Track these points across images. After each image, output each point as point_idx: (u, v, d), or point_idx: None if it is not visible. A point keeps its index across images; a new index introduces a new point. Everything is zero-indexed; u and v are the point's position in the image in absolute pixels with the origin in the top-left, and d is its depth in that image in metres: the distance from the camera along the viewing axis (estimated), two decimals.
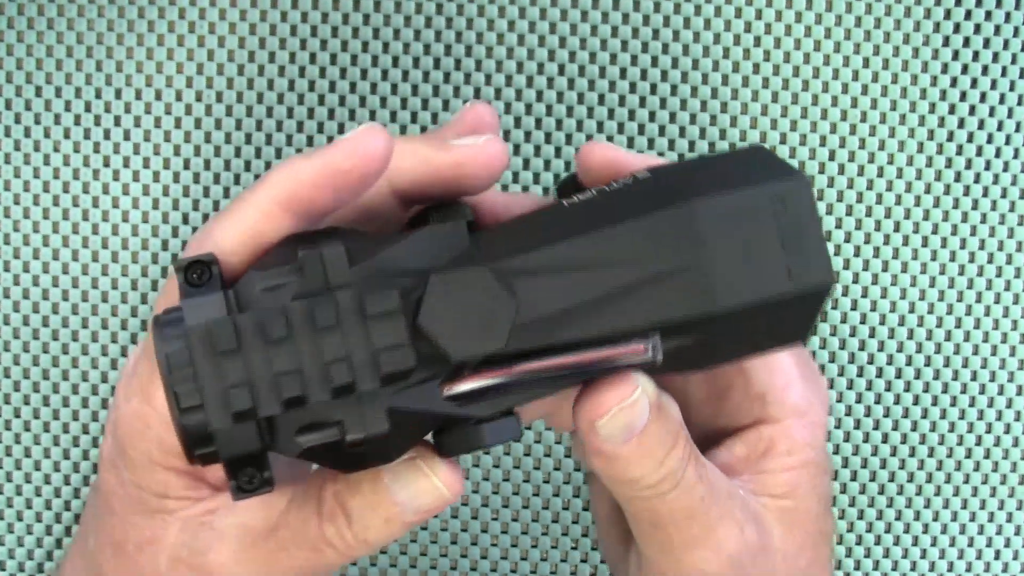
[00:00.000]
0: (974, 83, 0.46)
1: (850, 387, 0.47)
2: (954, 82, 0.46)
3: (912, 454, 0.48)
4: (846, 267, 0.47)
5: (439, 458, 0.32)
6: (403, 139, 0.33)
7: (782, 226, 0.30)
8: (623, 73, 0.46)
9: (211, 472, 0.34)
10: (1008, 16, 0.46)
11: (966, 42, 0.46)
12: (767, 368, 0.36)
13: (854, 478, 0.48)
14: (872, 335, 0.47)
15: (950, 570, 0.48)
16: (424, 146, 0.33)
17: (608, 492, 0.38)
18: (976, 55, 0.46)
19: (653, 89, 0.46)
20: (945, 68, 0.46)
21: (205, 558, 0.34)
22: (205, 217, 0.46)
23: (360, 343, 0.29)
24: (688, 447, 0.33)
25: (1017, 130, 0.47)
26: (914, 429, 0.47)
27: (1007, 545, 0.48)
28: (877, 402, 0.47)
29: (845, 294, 0.47)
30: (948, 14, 0.46)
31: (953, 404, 0.47)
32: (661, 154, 0.46)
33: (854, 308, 0.47)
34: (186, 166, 0.46)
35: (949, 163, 0.47)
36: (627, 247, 0.29)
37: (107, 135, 0.46)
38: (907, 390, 0.47)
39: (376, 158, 0.31)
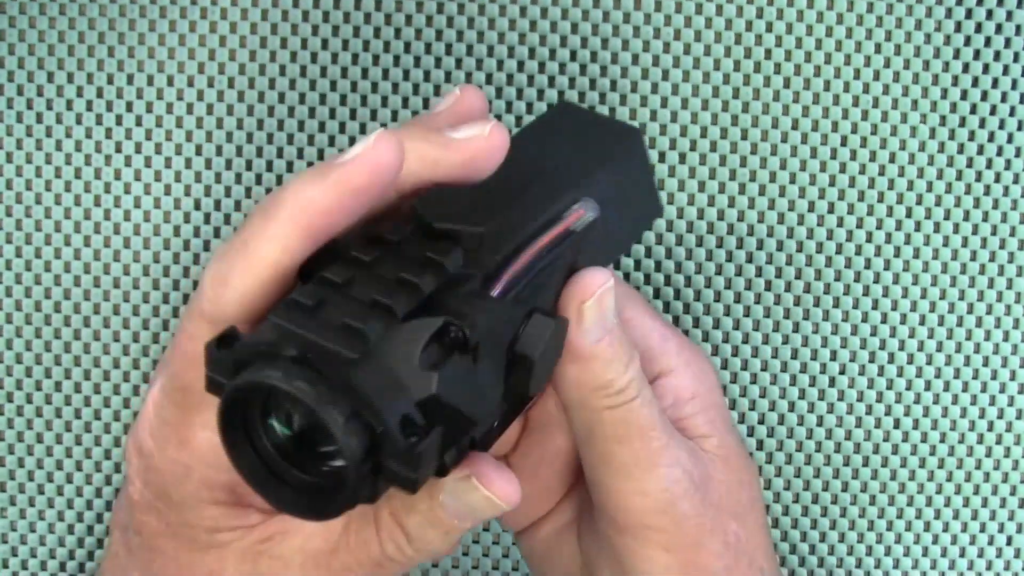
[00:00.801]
0: (975, 82, 0.46)
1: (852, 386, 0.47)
2: (956, 80, 0.46)
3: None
4: (848, 265, 0.47)
5: (493, 472, 0.32)
6: (404, 139, 0.32)
7: (580, 124, 0.38)
8: (624, 72, 0.46)
9: (259, 500, 0.33)
10: (1010, 14, 0.46)
11: (967, 40, 0.46)
12: (640, 330, 0.38)
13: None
14: (874, 333, 0.47)
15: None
16: (429, 147, 0.32)
17: (542, 533, 0.40)
18: (977, 53, 0.46)
19: (654, 88, 0.46)
20: (947, 66, 0.46)
21: None
22: (217, 204, 0.46)
23: (408, 259, 0.31)
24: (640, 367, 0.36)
25: (1020, 128, 0.47)
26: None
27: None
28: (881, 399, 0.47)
29: (847, 292, 0.47)
30: (949, 12, 0.46)
31: (957, 407, 0.48)
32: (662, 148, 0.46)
33: (856, 306, 0.47)
34: (198, 151, 0.46)
35: (951, 161, 0.46)
36: (525, 165, 0.35)
37: (119, 121, 0.46)
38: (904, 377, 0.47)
39: (391, 169, 0.31)
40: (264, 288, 0.31)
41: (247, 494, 0.33)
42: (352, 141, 0.46)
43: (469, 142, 0.33)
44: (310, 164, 0.46)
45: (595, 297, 0.34)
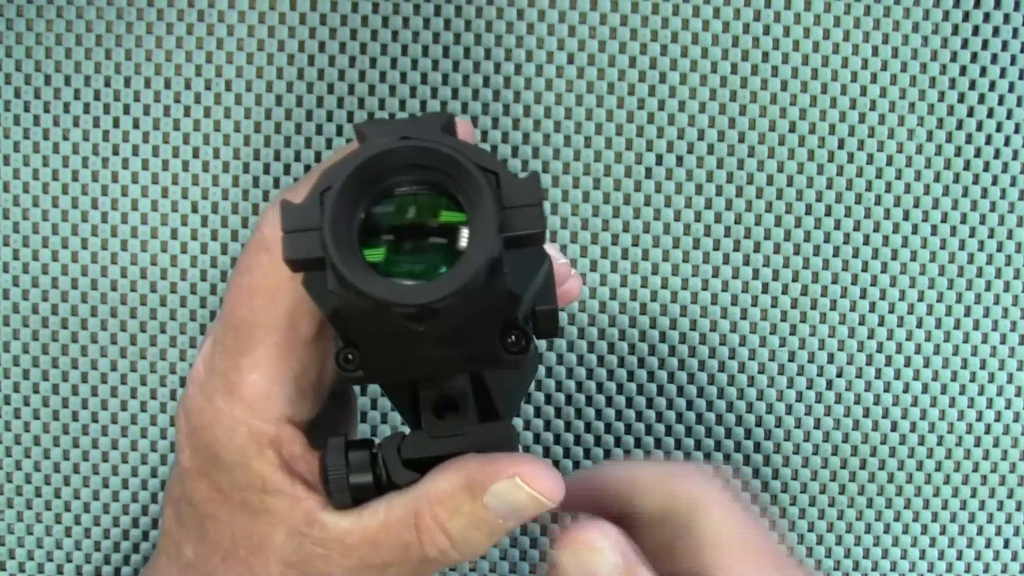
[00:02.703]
0: (972, 84, 0.46)
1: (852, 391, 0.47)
2: (952, 83, 0.46)
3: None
4: (845, 268, 0.47)
5: (539, 470, 0.32)
6: None
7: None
8: (621, 75, 0.46)
9: (303, 467, 0.34)
10: (1007, 17, 0.46)
11: (964, 43, 0.46)
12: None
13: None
14: (871, 336, 0.47)
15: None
16: None
17: None
18: (975, 56, 0.46)
19: (652, 91, 0.46)
20: (944, 69, 0.46)
21: (316, 568, 0.34)
22: (224, 220, 0.46)
23: None
24: None
25: (1017, 131, 0.47)
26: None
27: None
28: (877, 403, 0.47)
29: (844, 295, 0.47)
30: (947, 15, 0.46)
31: (953, 405, 0.47)
32: (654, 155, 0.46)
33: (853, 309, 0.47)
34: (205, 168, 0.46)
35: (948, 164, 0.46)
36: None
37: (126, 137, 0.46)
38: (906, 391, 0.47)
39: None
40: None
41: (293, 457, 0.34)
42: None
43: None
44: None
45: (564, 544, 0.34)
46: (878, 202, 0.46)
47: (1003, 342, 0.47)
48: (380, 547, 0.34)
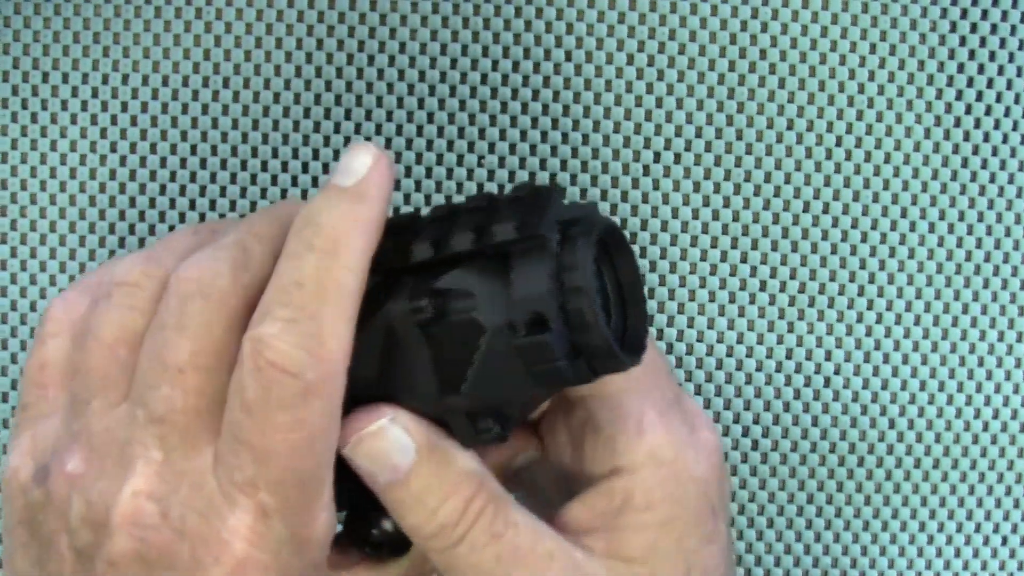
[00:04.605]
0: (970, 82, 0.46)
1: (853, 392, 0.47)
2: (950, 80, 0.46)
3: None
4: (843, 265, 0.47)
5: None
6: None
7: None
8: (619, 72, 0.46)
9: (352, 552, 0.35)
10: (1005, 14, 0.46)
11: (962, 41, 0.46)
12: (614, 411, 0.34)
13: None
14: (869, 333, 0.47)
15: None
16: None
17: None
18: (972, 53, 0.46)
19: (650, 88, 0.46)
20: (942, 66, 0.46)
21: None
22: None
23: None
24: (481, 501, 0.32)
25: (1015, 128, 0.47)
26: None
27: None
28: (893, 402, 0.47)
29: (842, 292, 0.47)
30: (944, 13, 0.46)
31: (949, 403, 0.47)
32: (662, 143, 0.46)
33: (851, 306, 0.47)
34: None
35: (946, 162, 0.46)
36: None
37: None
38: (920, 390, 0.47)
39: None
40: (355, 319, 0.31)
41: (340, 552, 0.34)
42: (334, 155, 0.46)
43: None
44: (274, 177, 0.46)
45: (355, 441, 0.31)
46: (876, 199, 0.46)
47: (1001, 339, 0.47)
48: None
